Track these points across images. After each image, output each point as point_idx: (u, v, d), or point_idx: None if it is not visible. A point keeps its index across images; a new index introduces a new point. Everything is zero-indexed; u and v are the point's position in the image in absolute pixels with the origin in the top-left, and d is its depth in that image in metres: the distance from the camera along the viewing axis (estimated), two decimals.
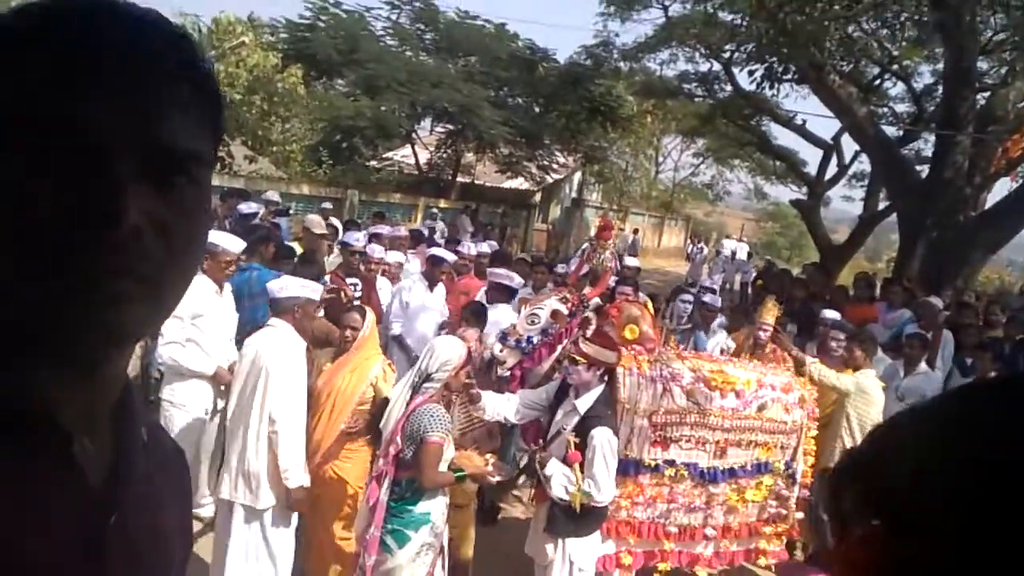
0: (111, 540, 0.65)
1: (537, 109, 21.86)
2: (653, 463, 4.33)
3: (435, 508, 3.61)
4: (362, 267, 6.35)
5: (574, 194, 29.69)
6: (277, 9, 20.60)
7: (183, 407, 4.67)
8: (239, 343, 4.79)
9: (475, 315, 5.23)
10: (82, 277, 0.58)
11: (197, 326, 4.65)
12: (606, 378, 4.01)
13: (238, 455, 3.94)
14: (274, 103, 16.35)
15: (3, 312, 0.60)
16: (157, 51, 0.62)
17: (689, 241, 35.85)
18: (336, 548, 4.12)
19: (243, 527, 3.91)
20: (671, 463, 4.38)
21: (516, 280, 6.34)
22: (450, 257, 6.90)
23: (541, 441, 4.12)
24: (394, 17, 20.59)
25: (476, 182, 23.36)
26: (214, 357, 4.72)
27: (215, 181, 13.68)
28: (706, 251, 26.23)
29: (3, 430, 0.59)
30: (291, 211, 9.48)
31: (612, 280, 6.30)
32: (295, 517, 4.07)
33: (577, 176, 29.54)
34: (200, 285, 4.70)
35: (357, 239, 6.76)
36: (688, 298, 7.37)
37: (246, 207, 8.43)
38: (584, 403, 3.91)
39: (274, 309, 4.11)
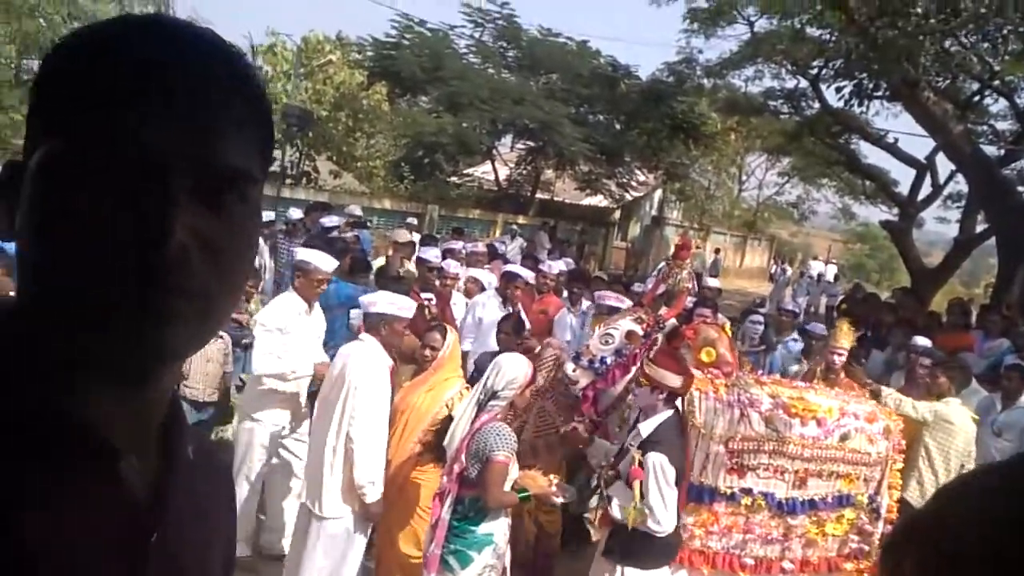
0: (153, 557, 0.65)
1: (618, 126, 21.77)
2: (729, 491, 4.20)
3: (498, 529, 3.56)
4: (437, 282, 6.41)
5: (654, 212, 29.39)
6: (364, 28, 21.20)
7: (260, 422, 4.75)
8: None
9: (514, 329, 5.17)
10: (130, 295, 0.58)
11: (283, 342, 4.69)
12: (676, 403, 3.88)
13: (314, 463, 4.01)
14: (359, 119, 16.80)
15: (51, 328, 0.60)
16: (212, 69, 0.63)
17: (772, 262, 34.98)
18: (404, 565, 4.13)
19: (311, 533, 3.98)
20: (748, 492, 4.24)
21: (626, 302, 6.21)
22: (525, 273, 6.89)
23: (612, 459, 4.06)
24: (477, 35, 20.88)
25: (555, 199, 23.41)
26: (298, 374, 4.74)
27: (301, 195, 14.20)
28: (789, 272, 25.53)
29: (50, 445, 0.59)
30: (368, 224, 9.69)
31: (689, 301, 6.17)
32: (366, 531, 4.09)
33: (658, 194, 29.25)
34: (289, 302, 4.75)
35: (436, 255, 6.84)
36: (758, 319, 7.13)
37: (328, 220, 8.66)
38: (647, 427, 3.82)
39: (365, 323, 4.14)
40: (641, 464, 3.66)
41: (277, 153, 16.65)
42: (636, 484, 3.64)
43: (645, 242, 26.51)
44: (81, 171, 0.57)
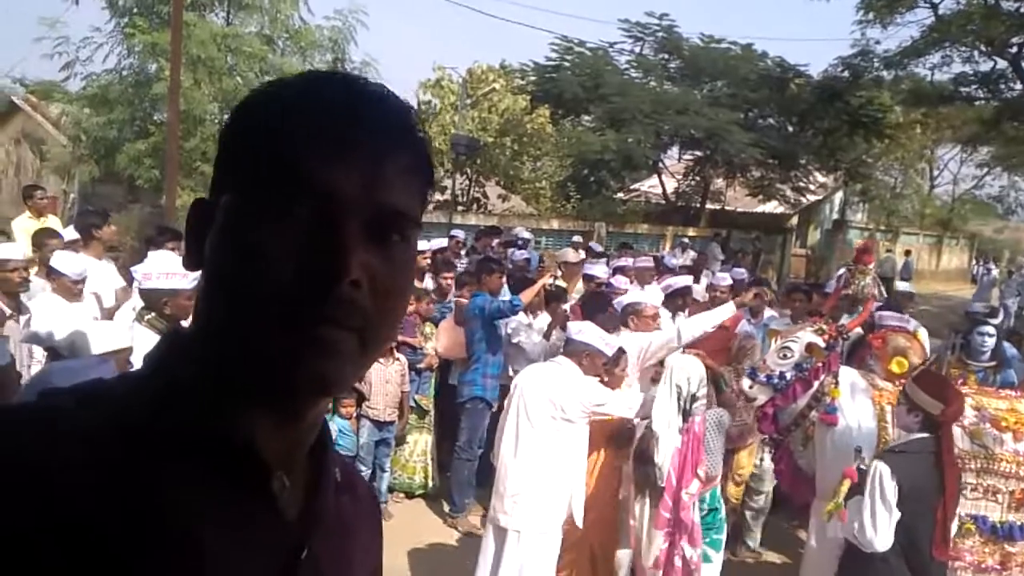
0: (302, 572, 0.68)
1: (790, 128, 20.85)
2: None
3: None
4: None
5: (836, 215, 27.77)
6: (526, 54, 21.73)
7: None
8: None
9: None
10: (302, 327, 0.62)
11: None
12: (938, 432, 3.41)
13: (508, 479, 4.11)
14: (524, 143, 17.11)
15: (224, 354, 0.65)
16: (385, 120, 0.68)
17: (974, 261, 32.00)
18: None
19: (506, 548, 4.07)
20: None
21: (912, 323, 5.83)
22: (690, 283, 6.64)
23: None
24: (637, 49, 20.75)
25: (726, 208, 22.70)
26: None
27: (472, 220, 14.65)
28: (995, 272, 23.18)
29: (210, 461, 0.64)
30: (520, 243, 9.89)
31: (875, 307, 5.70)
32: (556, 544, 4.10)
33: (839, 196, 27.65)
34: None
35: (604, 271, 6.81)
36: (989, 330, 6.20)
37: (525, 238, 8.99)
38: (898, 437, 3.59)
39: (566, 348, 4.26)
40: (860, 468, 3.46)
41: (447, 181, 17.24)
42: (845, 483, 3.51)
43: (826, 248, 25.06)
44: (267, 212, 0.63)
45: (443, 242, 8.64)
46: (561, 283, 7.24)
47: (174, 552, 0.60)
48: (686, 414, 3.79)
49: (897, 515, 3.27)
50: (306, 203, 0.63)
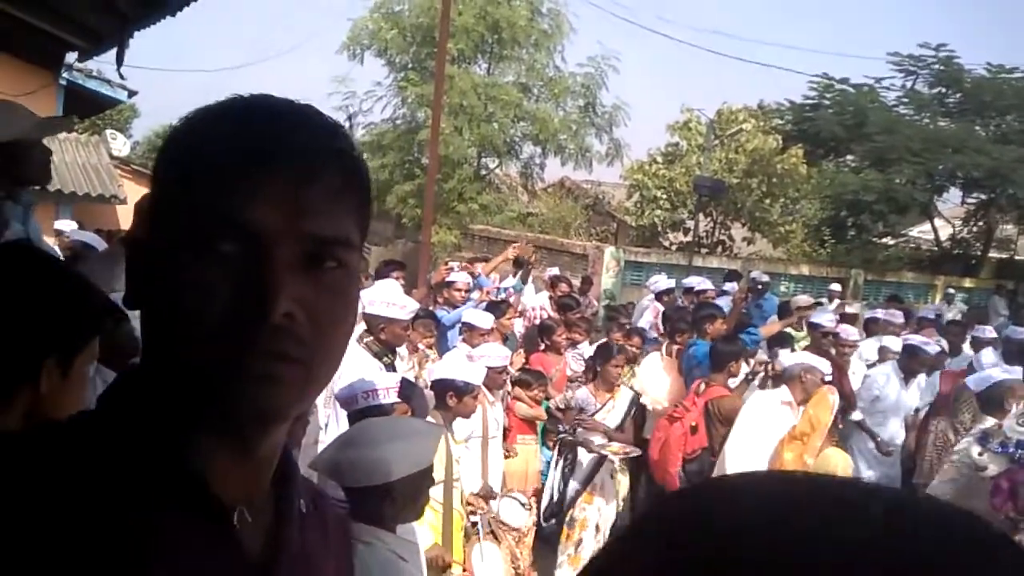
0: None
1: None
2: None
3: None
4: (833, 350, 5.93)
5: None
6: (779, 93, 20.94)
7: None
8: None
9: None
10: (238, 359, 0.62)
11: None
12: None
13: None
14: (772, 184, 16.47)
15: (170, 391, 0.65)
16: (310, 144, 0.66)
17: None
18: None
19: None
20: None
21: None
22: (932, 350, 5.81)
23: None
24: (908, 84, 19.18)
25: (1016, 258, 20.05)
26: None
27: (714, 263, 14.23)
28: None
29: (168, 498, 0.64)
30: (761, 287, 9.30)
31: None
32: None
33: None
34: None
35: (830, 319, 6.37)
36: None
37: (729, 286, 8.66)
38: None
39: (784, 377, 4.58)
40: None
41: (690, 223, 17.01)
42: None
43: None
44: (195, 251, 0.63)
45: (670, 283, 8.44)
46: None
47: None
48: None
49: None
50: (231, 239, 0.62)
